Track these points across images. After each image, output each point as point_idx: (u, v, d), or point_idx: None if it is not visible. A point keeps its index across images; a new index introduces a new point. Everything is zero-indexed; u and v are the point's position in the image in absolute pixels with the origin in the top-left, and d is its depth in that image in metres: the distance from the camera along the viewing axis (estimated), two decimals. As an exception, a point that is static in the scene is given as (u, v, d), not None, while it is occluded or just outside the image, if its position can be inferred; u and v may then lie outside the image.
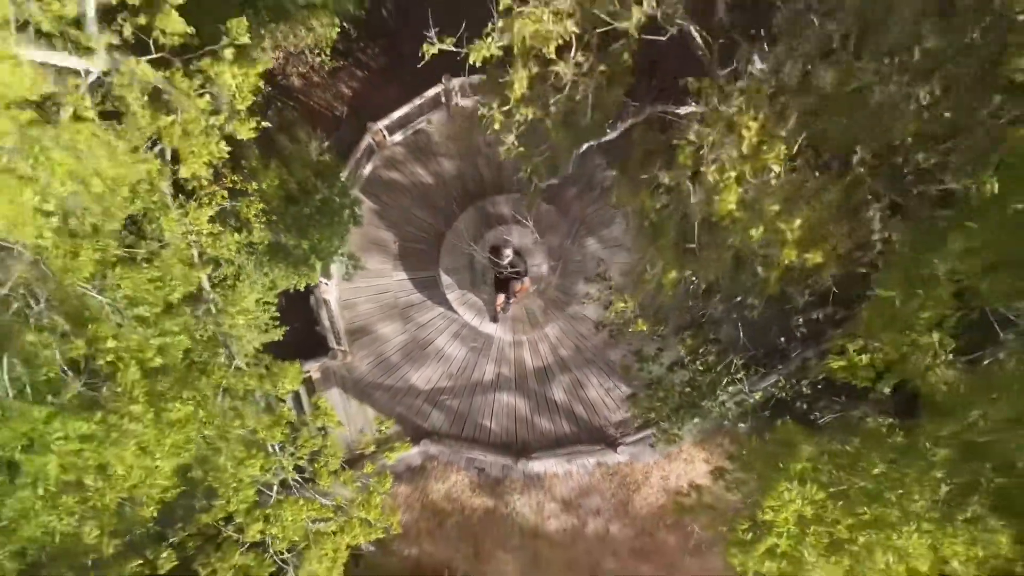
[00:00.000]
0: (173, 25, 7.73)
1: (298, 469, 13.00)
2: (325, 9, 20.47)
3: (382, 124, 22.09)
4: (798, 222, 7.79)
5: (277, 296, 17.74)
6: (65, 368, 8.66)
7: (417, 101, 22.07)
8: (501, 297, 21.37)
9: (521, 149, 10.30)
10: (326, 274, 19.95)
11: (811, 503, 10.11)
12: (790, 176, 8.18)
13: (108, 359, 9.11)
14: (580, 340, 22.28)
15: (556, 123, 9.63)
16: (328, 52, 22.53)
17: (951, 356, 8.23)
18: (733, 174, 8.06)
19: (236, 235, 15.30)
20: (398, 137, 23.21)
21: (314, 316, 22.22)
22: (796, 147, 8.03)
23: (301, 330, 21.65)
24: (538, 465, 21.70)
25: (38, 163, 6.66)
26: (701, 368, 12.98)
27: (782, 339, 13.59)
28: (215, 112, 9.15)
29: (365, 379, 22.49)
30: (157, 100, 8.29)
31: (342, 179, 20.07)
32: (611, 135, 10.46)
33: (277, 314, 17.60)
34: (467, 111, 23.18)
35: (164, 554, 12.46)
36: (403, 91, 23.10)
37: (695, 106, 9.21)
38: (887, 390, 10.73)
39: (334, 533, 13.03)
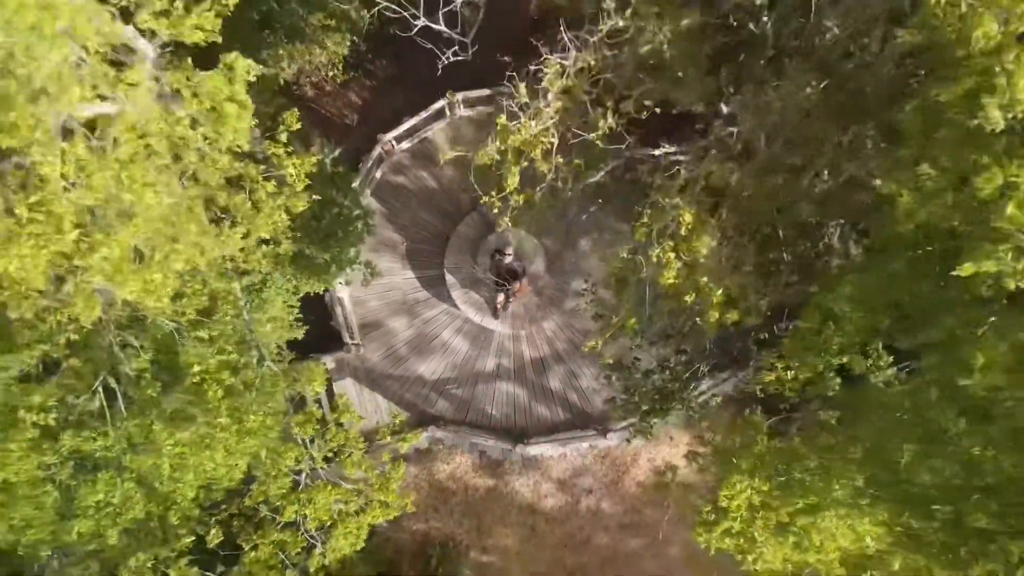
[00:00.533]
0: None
1: (325, 459, 15.35)
2: (338, 31, 22.40)
3: (391, 135, 24.13)
4: (720, 291, 10.04)
5: (299, 299, 19.97)
6: (161, 388, 10.88)
7: (423, 114, 24.06)
8: (501, 296, 23.56)
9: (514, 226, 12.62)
10: (345, 280, 22.12)
11: (758, 492, 12.42)
12: (719, 250, 10.41)
13: (195, 380, 11.39)
14: (574, 334, 24.52)
15: (541, 204, 11.84)
16: (340, 66, 24.43)
17: (839, 378, 10.40)
18: (672, 255, 10.29)
19: (265, 247, 17.48)
20: (405, 145, 25.25)
21: (329, 312, 24.40)
22: (722, 230, 10.27)
23: (316, 325, 23.84)
24: (535, 449, 24.08)
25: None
26: (670, 376, 15.32)
27: (737, 349, 15.89)
28: (278, 193, 11.23)
29: (376, 370, 24.77)
30: (232, 183, 10.35)
31: (355, 187, 22.21)
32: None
33: (300, 315, 19.88)
34: (469, 121, 25.16)
35: (213, 531, 14.83)
36: (409, 100, 25.11)
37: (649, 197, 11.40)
38: (830, 393, 12.98)
39: (356, 513, 15.44)
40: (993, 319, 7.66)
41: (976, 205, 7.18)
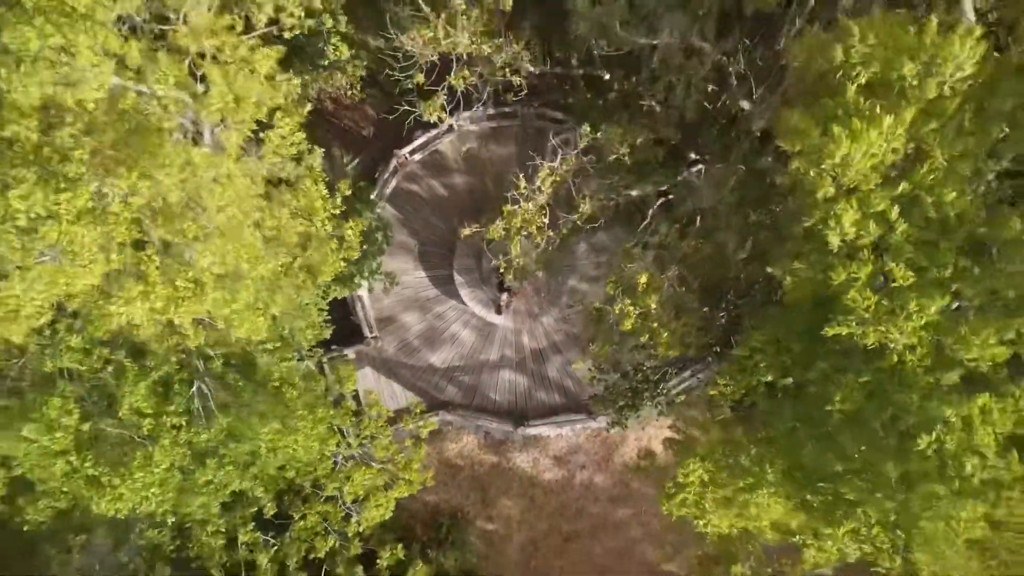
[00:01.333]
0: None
1: (360, 444, 19.17)
2: (357, 57, 25.64)
3: (406, 150, 27.59)
4: (665, 334, 13.74)
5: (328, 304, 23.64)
6: (249, 391, 14.56)
7: (434, 130, 27.47)
8: (505, 295, 27.24)
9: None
10: (368, 288, 25.77)
11: (707, 472, 16.23)
12: (666, 302, 14.12)
13: (275, 384, 15.08)
14: (569, 328, 28.24)
15: (539, 262, 15.52)
16: (358, 86, 27.70)
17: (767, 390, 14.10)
18: (631, 309, 13.96)
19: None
20: (417, 156, 28.68)
21: (350, 309, 28.08)
22: (671, 284, 14.01)
23: (338, 320, 27.51)
24: (534, 430, 27.97)
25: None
26: (641, 378, 19.07)
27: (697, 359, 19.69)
28: (339, 248, 14.78)
29: (392, 360, 28.55)
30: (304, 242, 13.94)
31: (373, 199, 25.73)
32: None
33: (328, 317, 23.57)
34: (472, 134, 28.51)
35: (268, 503, 18.69)
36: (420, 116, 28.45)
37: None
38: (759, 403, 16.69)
39: (385, 488, 19.32)
40: (846, 364, 11.42)
41: (831, 291, 10.79)
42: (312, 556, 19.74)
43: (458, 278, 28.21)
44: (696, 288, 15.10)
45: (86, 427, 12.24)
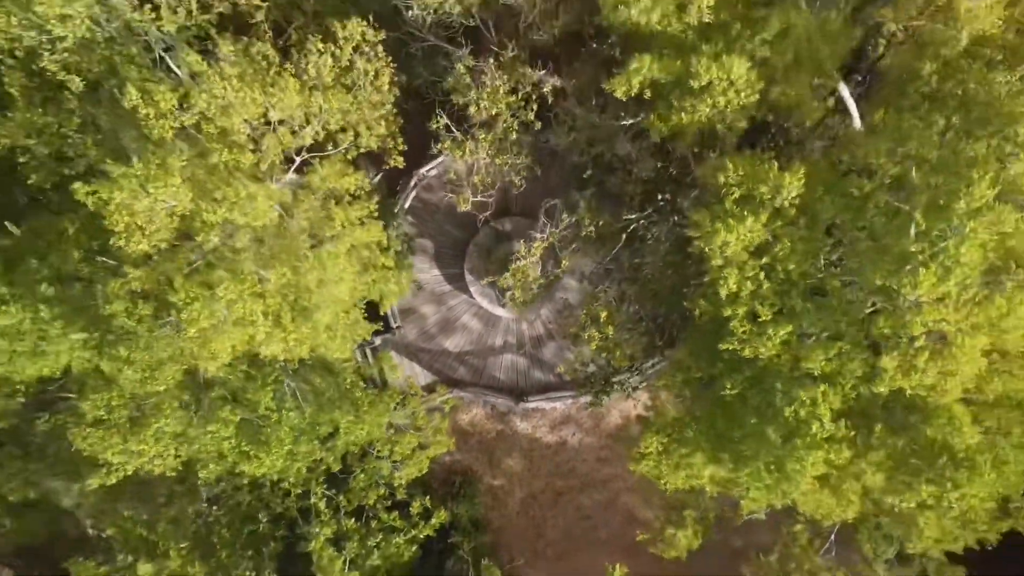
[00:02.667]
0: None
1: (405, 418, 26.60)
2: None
3: (425, 169, 34.44)
4: (618, 353, 20.99)
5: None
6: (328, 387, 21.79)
7: (441, 158, 34.22)
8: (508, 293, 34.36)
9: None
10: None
11: (661, 443, 23.56)
12: (620, 330, 21.28)
13: (348, 385, 22.33)
14: (564, 319, 35.40)
15: (535, 296, 23.14)
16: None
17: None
18: (596, 335, 21.15)
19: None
20: (433, 172, 35.51)
21: (377, 303, 35.17)
22: (625, 317, 21.23)
23: (366, 311, 34.59)
24: (533, 404, 35.33)
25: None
26: (612, 369, 26.38)
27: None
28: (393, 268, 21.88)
29: (413, 345, 35.79)
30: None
31: (397, 211, 32.66)
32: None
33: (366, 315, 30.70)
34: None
35: (331, 459, 25.84)
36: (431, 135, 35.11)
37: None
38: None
39: (422, 448, 26.72)
40: (735, 365, 18.72)
41: (723, 320, 17.88)
42: (360, 503, 27.24)
43: (468, 276, 35.25)
44: (642, 316, 22.33)
45: (237, 418, 19.42)
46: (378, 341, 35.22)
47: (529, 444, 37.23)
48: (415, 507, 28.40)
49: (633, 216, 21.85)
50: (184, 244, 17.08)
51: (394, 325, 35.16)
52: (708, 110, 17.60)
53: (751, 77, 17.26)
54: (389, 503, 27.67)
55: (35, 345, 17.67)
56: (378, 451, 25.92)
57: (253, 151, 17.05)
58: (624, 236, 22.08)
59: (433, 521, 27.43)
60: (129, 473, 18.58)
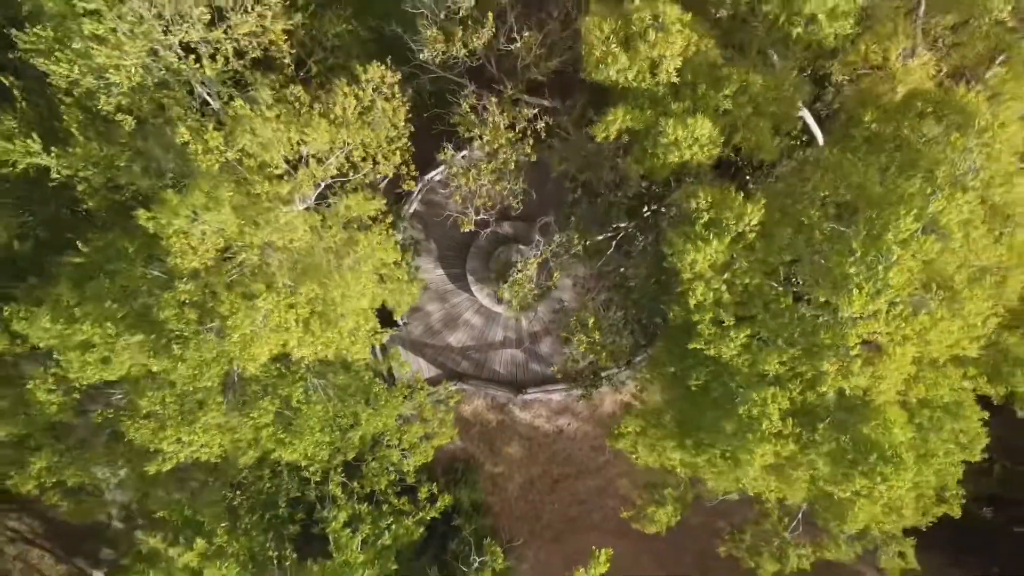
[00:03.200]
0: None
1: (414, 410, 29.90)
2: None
3: (430, 176, 37.57)
4: (604, 354, 24.23)
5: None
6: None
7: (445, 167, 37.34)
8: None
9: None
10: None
11: (639, 426, 26.86)
12: (607, 328, 24.61)
13: (366, 381, 25.61)
14: (558, 319, 38.65)
15: (531, 303, 26.39)
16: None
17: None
18: (583, 339, 24.42)
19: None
20: (437, 177, 38.62)
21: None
22: (610, 321, 24.50)
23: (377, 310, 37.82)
24: (531, 396, 38.67)
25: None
26: (599, 364, 29.73)
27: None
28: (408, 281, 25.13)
29: (418, 340, 39.10)
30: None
31: (403, 215, 35.83)
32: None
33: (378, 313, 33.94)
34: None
35: (350, 447, 29.12)
36: (436, 144, 38.21)
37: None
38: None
39: (428, 437, 30.07)
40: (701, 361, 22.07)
41: (693, 323, 21.13)
42: (372, 489, 30.58)
43: (470, 276, 38.48)
44: (627, 319, 25.71)
45: (274, 408, 22.77)
46: (387, 337, 38.50)
47: (528, 433, 40.59)
48: (423, 492, 31.71)
49: (622, 225, 25.06)
50: (227, 262, 20.33)
51: (401, 322, 38.40)
52: (676, 159, 20.84)
53: (713, 133, 20.48)
54: (398, 488, 31.03)
55: (103, 356, 20.92)
56: (388, 440, 29.22)
57: (286, 179, 20.28)
58: (610, 249, 25.39)
59: (439, 504, 30.71)
60: (180, 460, 21.96)
